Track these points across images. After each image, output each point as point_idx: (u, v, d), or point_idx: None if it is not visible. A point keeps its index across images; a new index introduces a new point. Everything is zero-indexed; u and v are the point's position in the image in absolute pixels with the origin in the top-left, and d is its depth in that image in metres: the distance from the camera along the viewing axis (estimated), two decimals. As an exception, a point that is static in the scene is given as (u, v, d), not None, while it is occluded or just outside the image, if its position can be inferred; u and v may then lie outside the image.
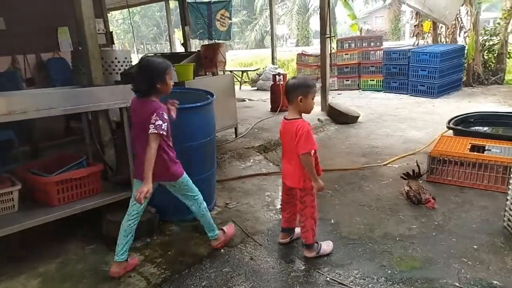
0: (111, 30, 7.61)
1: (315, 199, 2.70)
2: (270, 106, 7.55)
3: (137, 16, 38.45)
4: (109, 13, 10.82)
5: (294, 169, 2.64)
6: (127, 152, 3.20)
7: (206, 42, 10.70)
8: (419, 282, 2.43)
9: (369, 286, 2.43)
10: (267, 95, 8.10)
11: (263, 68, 11.40)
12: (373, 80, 9.45)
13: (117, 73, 5.85)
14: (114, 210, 3.08)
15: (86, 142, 3.48)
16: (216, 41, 9.05)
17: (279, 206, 3.52)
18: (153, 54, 7.06)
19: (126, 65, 6.03)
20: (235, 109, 5.50)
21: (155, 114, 2.42)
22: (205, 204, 2.86)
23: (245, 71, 12.04)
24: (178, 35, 14.28)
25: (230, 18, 11.27)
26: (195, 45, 12.85)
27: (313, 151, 2.56)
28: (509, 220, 2.91)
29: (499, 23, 9.68)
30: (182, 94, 3.58)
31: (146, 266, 2.76)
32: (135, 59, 7.31)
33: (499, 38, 9.38)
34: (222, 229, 3.01)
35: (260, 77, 10.65)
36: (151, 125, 2.39)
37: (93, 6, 3.46)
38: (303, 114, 2.65)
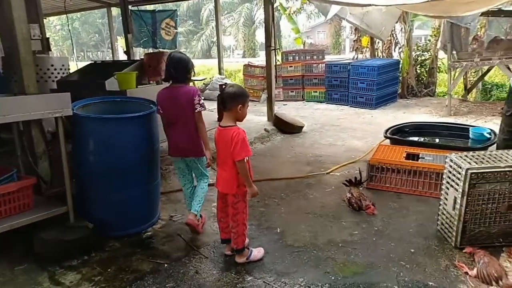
0: (47, 36, 7.19)
1: (247, 206, 2.78)
2: (217, 116, 7.51)
3: (77, 23, 36.81)
4: (45, 18, 10.24)
5: (227, 175, 2.68)
6: (62, 164, 3.01)
7: (151, 50, 10.46)
8: (361, 287, 2.50)
9: (314, 293, 2.46)
10: (214, 105, 8.07)
11: (210, 78, 11.34)
12: (316, 92, 9.77)
13: (53, 80, 5.53)
14: (47, 226, 2.87)
15: (17, 154, 3.23)
16: (161, 50, 8.89)
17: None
18: (93, 62, 6.75)
19: (64, 73, 5.73)
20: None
21: (197, 96, 3.09)
22: (207, 188, 3.35)
23: (192, 80, 11.89)
24: (121, 43, 13.83)
25: (175, 28, 11.14)
26: (140, 53, 12.52)
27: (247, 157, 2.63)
28: (442, 224, 3.09)
29: (429, 40, 10.46)
30: (122, 103, 3.45)
31: (83, 286, 2.59)
32: (73, 67, 6.95)
33: (430, 54, 10.12)
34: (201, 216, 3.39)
35: (207, 87, 10.59)
36: (197, 105, 3.08)
37: (28, 11, 3.24)
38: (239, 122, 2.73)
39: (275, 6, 10.49)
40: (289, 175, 4.63)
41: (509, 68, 7.47)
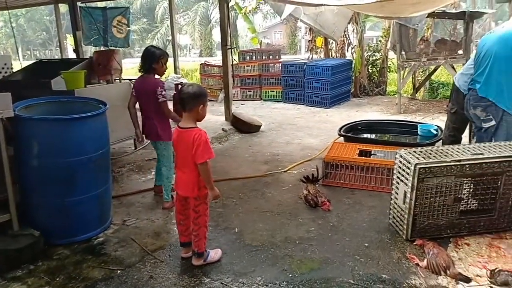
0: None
1: (208, 208, 2.73)
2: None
3: (22, 20, 34.74)
4: (-16, 13, 9.57)
5: (188, 178, 2.61)
6: (3, 169, 2.80)
7: (103, 49, 10.07)
8: (318, 283, 2.53)
9: (272, 292, 2.46)
10: (169, 105, 7.89)
11: (166, 78, 11.10)
12: (273, 91, 9.84)
13: (-7, 80, 5.17)
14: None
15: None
16: (113, 48, 8.57)
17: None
18: (39, 60, 6.38)
19: (6, 72, 5.39)
20: (134, 119, 5.23)
21: (159, 87, 3.55)
22: (171, 173, 3.62)
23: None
24: (70, 41, 13.19)
25: (128, 25, 10.79)
26: (91, 51, 12.02)
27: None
28: (393, 217, 3.20)
29: (380, 41, 10.86)
30: (69, 104, 3.29)
31: (28, 298, 2.43)
32: (18, 66, 6.54)
33: (380, 54, 10.51)
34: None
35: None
36: (159, 95, 3.54)
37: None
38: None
39: (230, 5, 10.47)
40: (247, 175, 4.62)
41: (453, 68, 7.90)
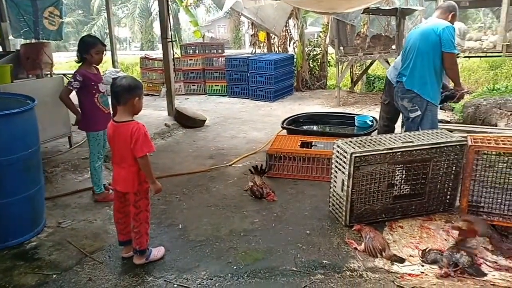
0: None
1: (149, 203, 2.67)
2: (111, 112, 7.06)
3: None
4: None
5: (127, 173, 2.54)
6: None
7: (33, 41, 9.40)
8: (262, 273, 2.57)
9: (216, 285, 2.46)
10: (108, 100, 7.56)
11: (103, 72, 10.60)
12: (218, 86, 9.77)
13: None
14: None
15: None
16: (43, 41, 8.02)
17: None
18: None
19: None
20: (67, 116, 4.92)
21: (74, 74, 3.49)
22: (98, 164, 3.66)
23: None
24: (-5, 33, 12.15)
25: (61, 17, 10.15)
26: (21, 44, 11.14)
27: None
28: (333, 205, 3.33)
29: (320, 36, 11.18)
30: (-8, 100, 3.03)
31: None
32: None
33: (320, 49, 10.82)
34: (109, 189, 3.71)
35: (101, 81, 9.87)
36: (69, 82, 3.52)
37: None
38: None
39: (171, -3, 10.23)
40: (191, 170, 4.56)
41: (387, 62, 8.33)
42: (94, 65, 3.61)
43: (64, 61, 18.98)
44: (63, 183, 4.14)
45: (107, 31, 9.14)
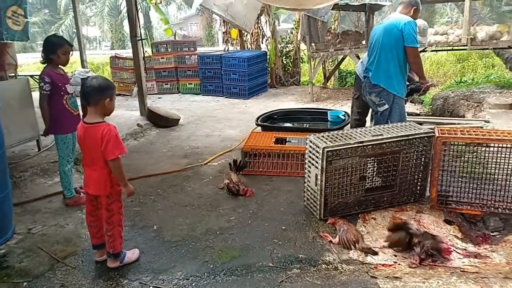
0: None
1: (122, 206, 2.63)
2: (81, 113, 6.88)
3: None
4: None
5: (99, 176, 2.49)
6: None
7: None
8: (239, 270, 2.58)
9: (193, 285, 2.45)
10: (77, 101, 7.36)
11: (72, 72, 10.32)
12: (191, 84, 9.69)
13: None
14: None
15: None
16: (6, 41, 7.71)
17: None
18: None
19: None
20: (35, 118, 4.77)
21: (41, 77, 3.39)
22: (68, 167, 3.58)
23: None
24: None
25: (25, 17, 9.78)
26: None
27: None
28: (308, 199, 3.37)
29: (292, 32, 11.24)
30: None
31: None
32: None
33: (293, 46, 10.89)
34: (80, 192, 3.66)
35: (69, 82, 9.59)
36: (40, 87, 3.40)
37: None
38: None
39: (140, -5, 10.04)
40: (165, 170, 4.50)
41: (358, 57, 8.47)
42: (60, 66, 3.52)
43: (32, 62, 18.36)
44: (32, 188, 4.02)
45: (75, 30, 8.88)
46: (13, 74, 4.87)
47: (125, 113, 7.01)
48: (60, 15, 28.69)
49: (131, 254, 2.70)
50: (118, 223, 2.59)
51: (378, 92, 3.81)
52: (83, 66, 9.77)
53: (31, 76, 10.68)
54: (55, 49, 3.39)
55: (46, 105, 3.41)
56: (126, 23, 28.66)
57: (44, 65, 3.46)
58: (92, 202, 2.62)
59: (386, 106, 3.77)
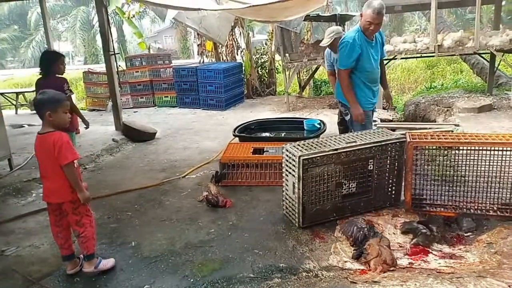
0: None
1: (89, 209, 2.70)
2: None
3: None
4: None
5: (58, 184, 2.54)
6: None
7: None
8: (220, 282, 2.56)
9: (173, 300, 2.42)
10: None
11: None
12: (167, 97, 9.64)
13: None
14: None
15: None
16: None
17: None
18: None
19: None
20: (6, 137, 4.64)
21: (65, 84, 4.02)
22: None
23: (20, 92, 10.38)
24: None
25: (-7, 33, 9.58)
26: None
27: (76, 162, 2.58)
28: (286, 208, 3.39)
29: (266, 43, 11.38)
30: None
31: None
32: None
33: (268, 56, 11.02)
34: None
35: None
36: (66, 91, 3.98)
37: None
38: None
39: (112, 9, 9.97)
40: (142, 185, 4.45)
41: (331, 66, 8.63)
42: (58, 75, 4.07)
43: (1, 80, 17.89)
44: (5, 208, 3.90)
45: (47, 46, 8.73)
46: (-19, 93, 4.73)
47: (99, 128, 6.90)
48: (31, 30, 28.07)
49: (106, 262, 2.75)
50: (89, 224, 2.66)
51: (342, 104, 4.02)
52: (55, 82, 9.58)
53: (2, 93, 10.42)
54: (56, 61, 4.02)
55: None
56: (99, 37, 28.33)
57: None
58: (55, 212, 2.66)
59: (349, 116, 3.91)
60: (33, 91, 10.36)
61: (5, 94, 10.42)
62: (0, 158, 4.65)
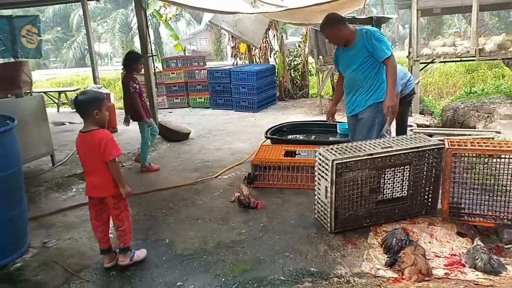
0: None
1: (127, 203, 2.80)
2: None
3: None
4: None
5: (102, 179, 2.65)
6: None
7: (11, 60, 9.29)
8: (250, 283, 2.58)
9: (205, 298, 2.46)
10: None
11: (84, 88, 10.53)
12: (201, 98, 9.81)
13: None
14: None
15: None
16: (21, 59, 7.95)
17: (108, 235, 3.27)
18: None
19: None
20: (49, 134, 4.87)
21: (130, 81, 4.66)
22: (146, 147, 5.05)
23: (62, 91, 10.86)
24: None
25: (39, 35, 10.08)
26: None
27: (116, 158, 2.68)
28: (318, 212, 3.37)
29: (299, 46, 11.35)
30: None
31: None
32: None
33: (301, 59, 10.98)
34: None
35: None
36: (130, 87, 4.71)
37: None
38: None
39: (150, 12, 10.25)
40: (176, 184, 4.55)
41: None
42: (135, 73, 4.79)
43: (45, 79, 18.76)
44: (47, 202, 4.09)
45: (88, 47, 9.09)
46: (28, 91, 5.00)
47: (136, 128, 7.10)
48: (73, 32, 29.32)
49: (140, 253, 2.87)
50: (127, 219, 2.78)
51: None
52: (95, 82, 9.95)
53: (45, 92, 10.94)
54: (138, 61, 4.74)
55: (137, 100, 4.69)
56: (136, 39, 29.17)
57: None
58: (95, 207, 2.76)
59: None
60: (73, 90, 10.87)
61: (48, 92, 10.92)
62: (44, 154, 4.89)
